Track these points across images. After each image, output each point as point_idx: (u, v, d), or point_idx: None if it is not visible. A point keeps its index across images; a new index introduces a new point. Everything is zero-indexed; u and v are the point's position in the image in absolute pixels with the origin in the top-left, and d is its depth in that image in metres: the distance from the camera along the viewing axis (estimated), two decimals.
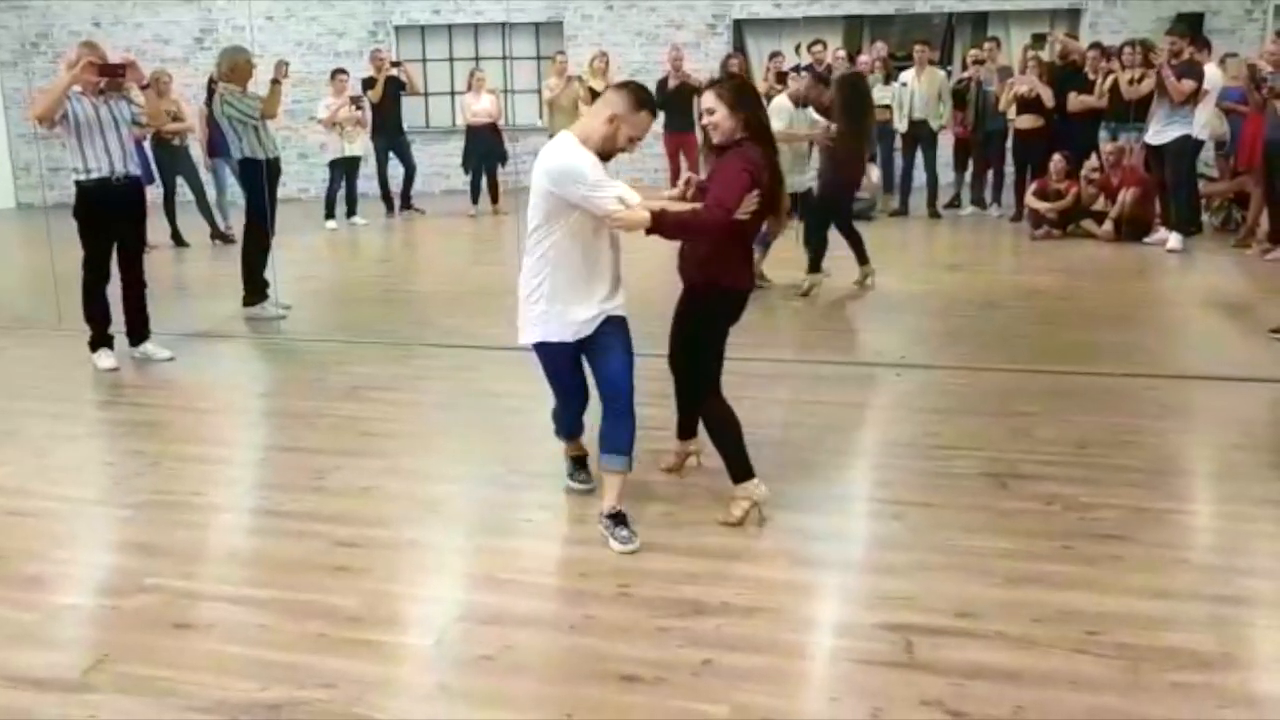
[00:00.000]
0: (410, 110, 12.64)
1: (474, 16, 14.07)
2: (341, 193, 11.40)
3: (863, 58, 11.33)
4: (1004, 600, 3.04)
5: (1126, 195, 9.27)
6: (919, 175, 11.14)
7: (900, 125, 10.94)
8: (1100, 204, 9.62)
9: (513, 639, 2.90)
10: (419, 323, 6.91)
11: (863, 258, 7.47)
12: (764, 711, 2.56)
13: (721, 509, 3.62)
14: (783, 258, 7.28)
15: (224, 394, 5.50)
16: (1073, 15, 13.26)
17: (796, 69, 8.65)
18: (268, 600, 3.14)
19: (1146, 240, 9.15)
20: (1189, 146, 8.87)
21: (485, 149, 11.78)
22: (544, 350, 3.54)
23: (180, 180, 10.41)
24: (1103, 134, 9.94)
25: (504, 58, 14.14)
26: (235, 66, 6.79)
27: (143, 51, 11.71)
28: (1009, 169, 10.91)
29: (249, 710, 2.58)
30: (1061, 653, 2.76)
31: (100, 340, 5.88)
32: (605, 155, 3.36)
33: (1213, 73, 9.07)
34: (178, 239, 10.34)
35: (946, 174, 11.41)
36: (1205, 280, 7.79)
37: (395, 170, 12.04)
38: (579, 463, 3.92)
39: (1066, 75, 10.29)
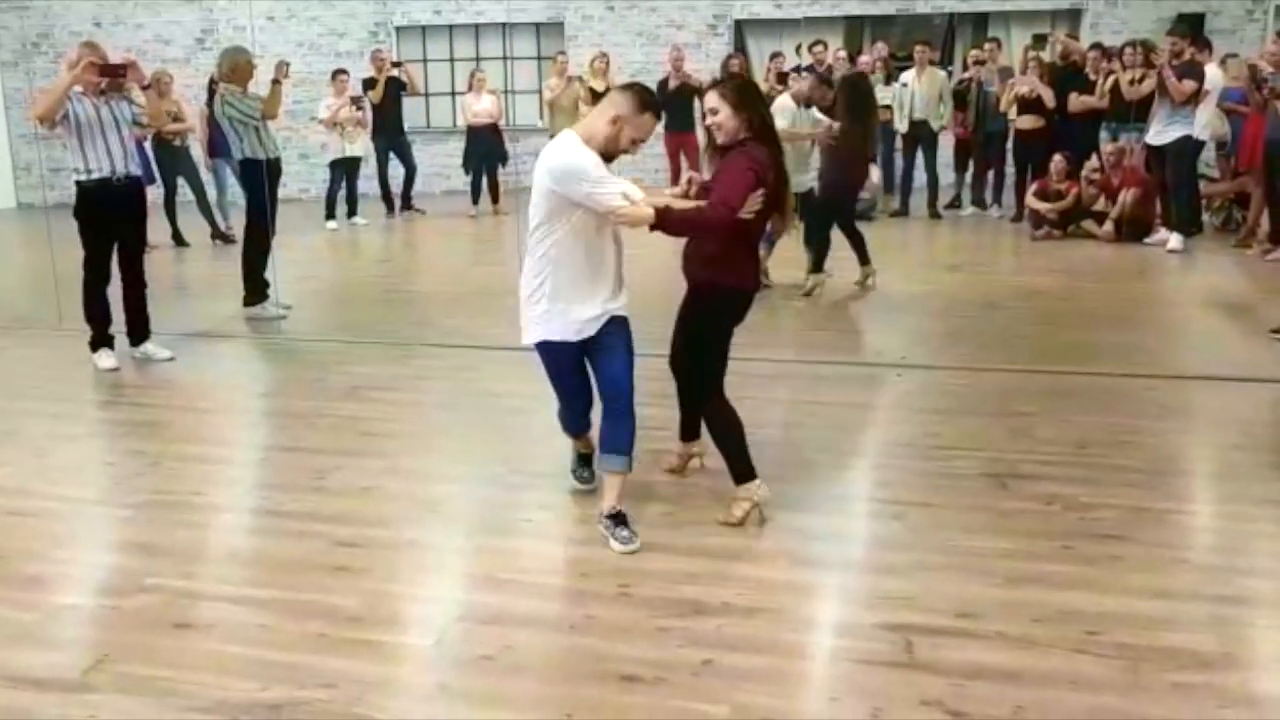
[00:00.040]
0: (411, 111, 12.64)
1: (475, 17, 14.07)
2: (342, 193, 11.41)
3: (863, 58, 11.32)
4: (1004, 600, 3.04)
5: (1127, 196, 9.27)
6: (919, 176, 11.13)
7: (901, 126, 10.94)
8: (1101, 204, 9.62)
9: (513, 639, 2.90)
10: (419, 323, 6.91)
11: (864, 258, 7.47)
12: (764, 711, 2.56)
13: (722, 509, 3.62)
14: (784, 257, 7.27)
15: (224, 394, 5.51)
16: (1073, 16, 13.26)
17: (797, 69, 8.66)
18: (268, 600, 3.14)
19: (1147, 241, 9.14)
20: (1190, 147, 8.87)
21: (486, 149, 11.78)
22: (546, 350, 3.53)
23: (181, 180, 10.42)
24: (1103, 134, 9.94)
25: (505, 58, 14.14)
26: (236, 67, 6.79)
27: (144, 52, 11.71)
28: (1009, 169, 10.91)
29: (249, 710, 2.59)
30: (1061, 653, 2.76)
31: (101, 340, 5.88)
32: (608, 156, 3.35)
33: (1213, 73, 9.06)
34: (178, 239, 10.34)
35: (947, 174, 11.41)
36: (1206, 281, 7.79)
37: (396, 170, 12.04)
38: (585, 460, 3.90)
39: (1067, 76, 10.29)
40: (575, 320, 3.44)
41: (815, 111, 7.46)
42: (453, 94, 14.05)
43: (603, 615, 3.02)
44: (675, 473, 4.03)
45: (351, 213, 11.53)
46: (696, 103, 10.34)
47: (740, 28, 13.80)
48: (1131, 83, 9.53)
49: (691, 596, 3.09)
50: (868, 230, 7.72)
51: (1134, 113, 9.53)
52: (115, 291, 5.88)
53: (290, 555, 3.46)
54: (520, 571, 3.33)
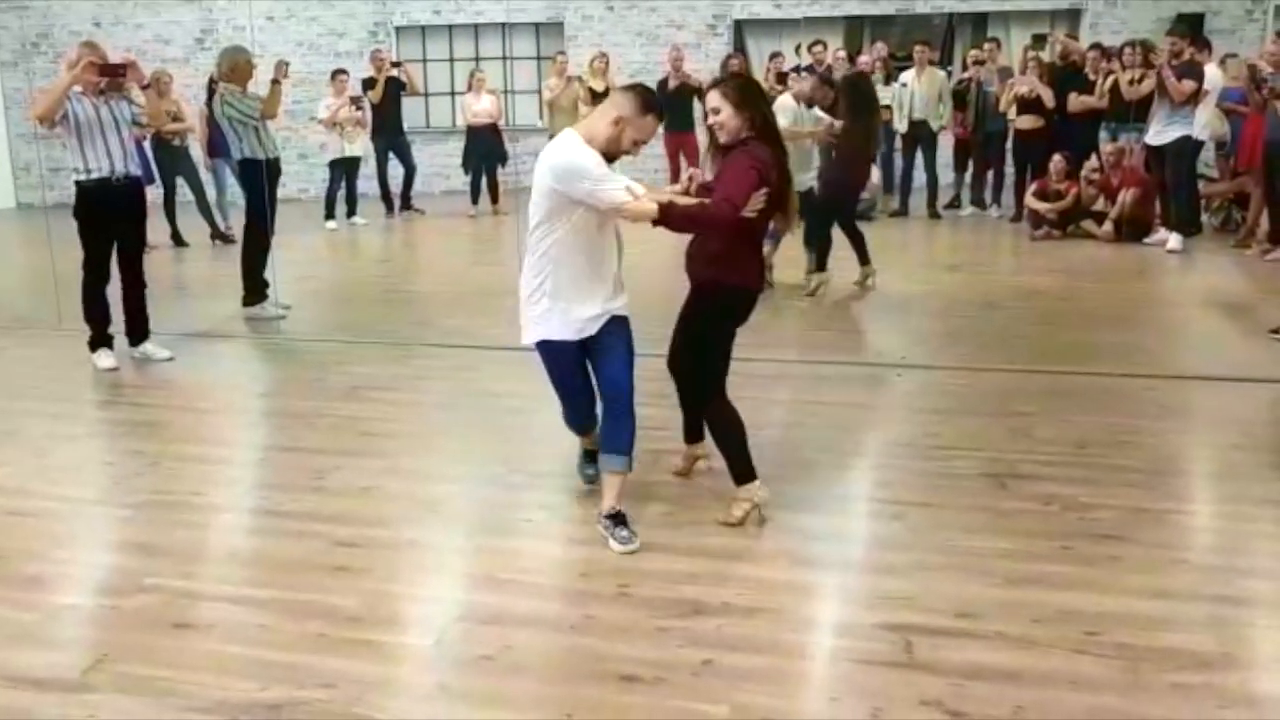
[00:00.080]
0: (410, 111, 12.64)
1: (474, 17, 14.07)
2: (341, 193, 11.41)
3: (863, 58, 11.33)
4: (1003, 600, 3.04)
5: (1126, 196, 9.27)
6: (919, 176, 11.14)
7: (900, 126, 10.94)
8: (1100, 204, 9.62)
9: (512, 639, 2.90)
10: (419, 323, 6.91)
11: (864, 258, 7.47)
12: (764, 712, 2.56)
13: (722, 509, 3.62)
14: (785, 257, 7.29)
15: (224, 394, 5.50)
16: (1073, 16, 13.26)
17: (797, 69, 8.67)
18: (268, 600, 3.14)
19: (1146, 241, 9.14)
20: (1189, 147, 8.87)
21: (485, 149, 11.78)
22: (547, 349, 3.53)
23: (180, 180, 10.42)
24: (1103, 134, 9.94)
25: (504, 58, 14.14)
26: (235, 67, 6.79)
27: (143, 52, 11.71)
28: (1009, 169, 10.92)
29: (249, 710, 2.58)
30: (1061, 653, 2.76)
31: (100, 340, 5.88)
32: (609, 157, 3.34)
33: (1213, 73, 9.07)
34: (178, 239, 10.34)
35: (946, 174, 11.42)
36: (1205, 281, 7.79)
37: (395, 170, 12.04)
38: (591, 456, 3.86)
39: (1067, 76, 10.29)
40: (575, 319, 3.43)
41: (817, 111, 7.47)
42: (452, 94, 14.05)
43: (602, 615, 3.02)
44: (682, 475, 4.01)
45: (351, 213, 11.53)
46: (696, 103, 10.38)
47: (740, 28, 13.80)
48: (1131, 83, 9.54)
49: (691, 596, 3.09)
50: (867, 230, 7.72)
51: (1133, 113, 9.53)
52: (115, 291, 5.88)
53: (290, 555, 3.46)
54: (520, 571, 3.33)
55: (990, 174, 11.22)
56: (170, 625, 3.00)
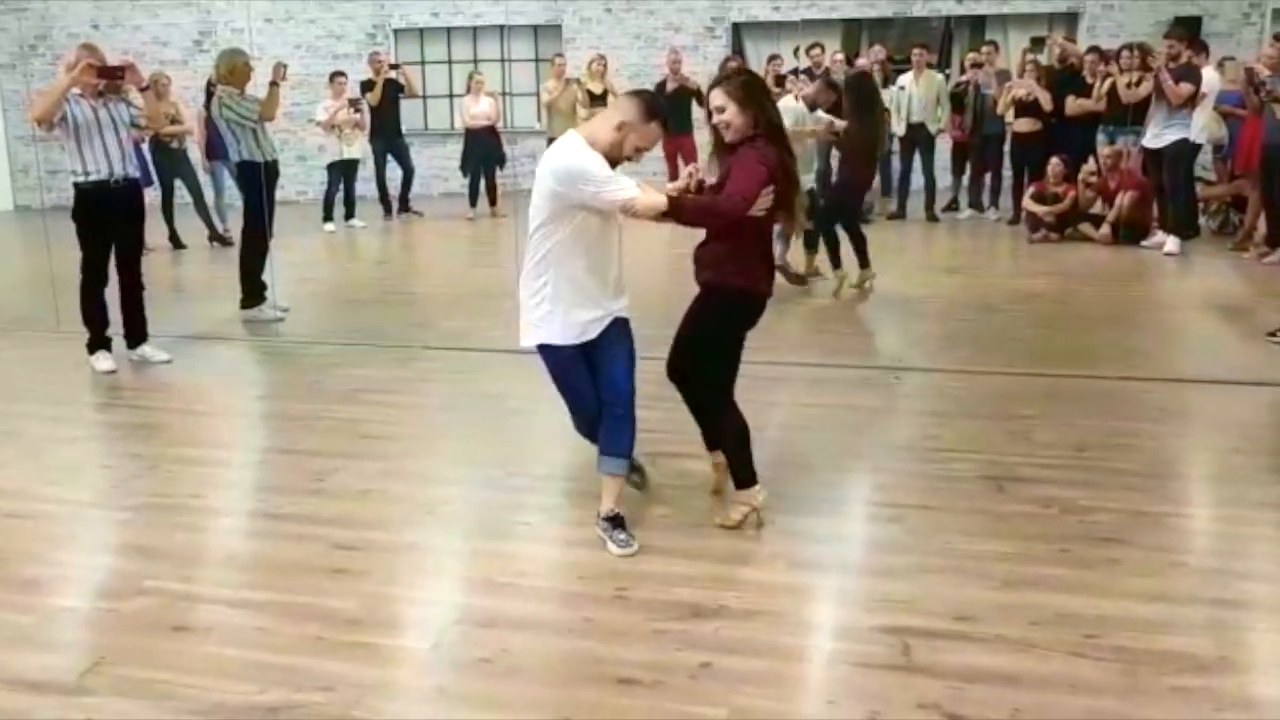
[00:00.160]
0: (409, 113, 12.64)
1: (472, 19, 14.08)
2: (340, 195, 11.40)
3: (861, 61, 11.33)
4: (1002, 603, 3.04)
5: (1124, 199, 9.28)
6: (916, 178, 11.14)
7: (898, 128, 10.95)
8: (1098, 207, 9.64)
9: (510, 642, 2.89)
10: (417, 325, 6.91)
11: (864, 260, 7.48)
12: (762, 714, 2.56)
13: (720, 512, 3.62)
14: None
15: (222, 396, 5.50)
16: (1071, 19, 13.28)
17: (795, 72, 8.69)
18: (266, 603, 3.14)
19: (1144, 244, 9.15)
20: (1186, 150, 8.88)
21: (484, 152, 11.78)
22: (549, 354, 3.51)
23: (179, 182, 10.40)
24: (1100, 137, 9.95)
25: (502, 60, 14.14)
26: (234, 69, 6.79)
27: (141, 54, 11.69)
28: (1007, 172, 10.93)
29: (247, 713, 2.58)
30: (1059, 656, 2.76)
31: (98, 342, 5.87)
32: (610, 162, 3.33)
33: (1210, 76, 9.08)
34: (176, 241, 10.33)
35: (944, 177, 11.42)
36: (1203, 284, 7.80)
37: (394, 173, 12.05)
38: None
39: (1064, 79, 10.29)
40: (576, 322, 3.42)
41: (819, 112, 7.50)
42: (450, 96, 14.05)
43: (600, 618, 3.02)
44: (720, 492, 3.81)
45: (349, 215, 11.53)
46: (695, 105, 10.39)
47: (738, 30, 13.81)
48: (1129, 85, 9.54)
49: (689, 599, 3.09)
50: (865, 232, 7.73)
51: (1131, 116, 9.53)
52: (113, 294, 5.87)
53: (288, 558, 3.45)
54: (518, 575, 3.32)
55: (988, 177, 11.23)
56: (168, 628, 3.00)
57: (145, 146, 9.70)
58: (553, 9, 13.88)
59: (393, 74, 11.70)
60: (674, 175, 10.64)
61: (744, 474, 3.57)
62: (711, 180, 3.55)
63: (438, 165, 13.77)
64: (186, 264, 9.80)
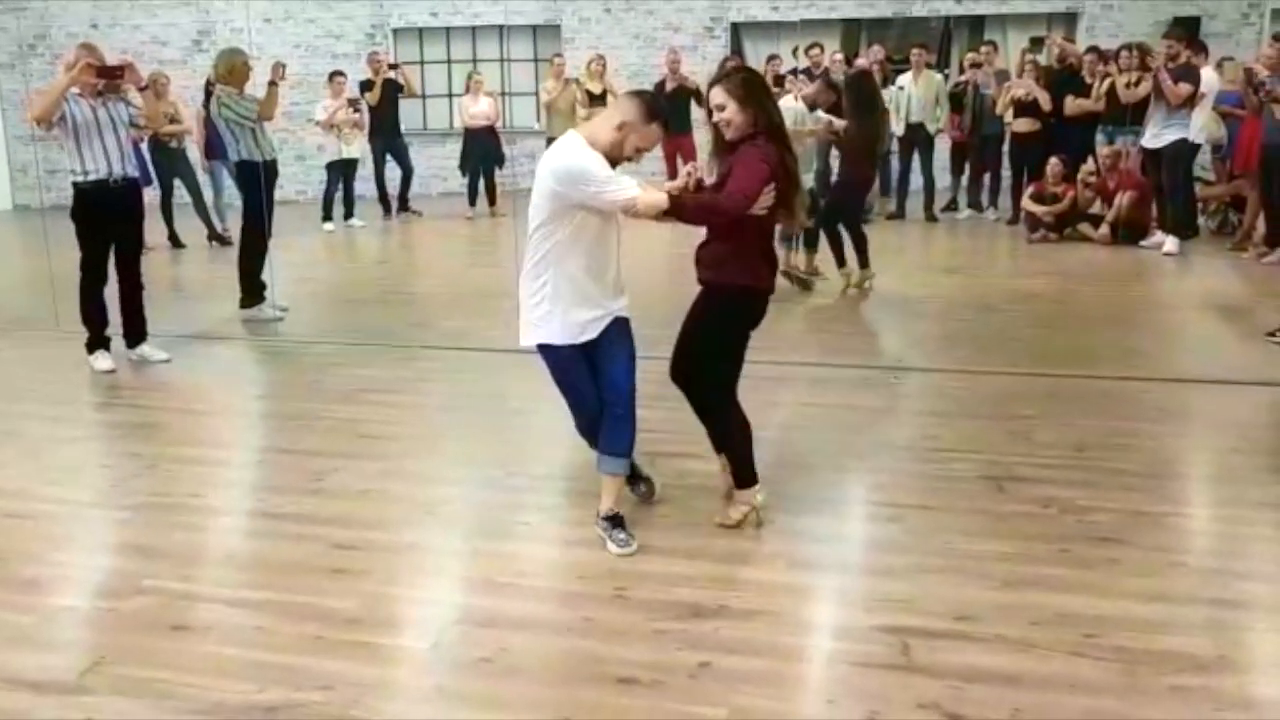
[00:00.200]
0: (408, 112, 12.64)
1: (472, 19, 14.07)
2: (339, 195, 11.40)
3: (860, 61, 11.33)
4: (1001, 603, 3.04)
5: (1123, 199, 9.28)
6: (916, 179, 11.14)
7: (897, 128, 10.94)
8: (1097, 207, 9.64)
9: (510, 642, 2.89)
10: (417, 325, 6.91)
11: (864, 261, 7.49)
12: (762, 714, 2.56)
13: (720, 511, 3.62)
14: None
15: (221, 396, 5.50)
16: (1070, 19, 13.28)
17: (794, 72, 8.69)
18: (265, 602, 3.14)
19: (1143, 244, 9.15)
20: (1185, 150, 8.89)
21: (483, 151, 11.78)
22: (549, 354, 3.50)
23: (178, 182, 10.40)
24: (1099, 137, 9.95)
25: (501, 60, 14.13)
26: (233, 68, 6.79)
27: (140, 53, 11.68)
28: (1006, 172, 10.93)
29: (246, 712, 2.58)
30: (1059, 656, 2.76)
31: (97, 342, 5.87)
32: (610, 162, 3.32)
33: (1209, 76, 9.09)
34: (175, 241, 10.33)
35: (943, 177, 11.42)
36: (1202, 284, 7.80)
37: (393, 172, 12.05)
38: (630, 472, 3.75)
39: (1063, 79, 10.30)
40: (576, 322, 3.41)
41: (819, 112, 7.50)
42: (449, 96, 14.04)
43: (600, 618, 3.02)
44: (730, 495, 3.75)
45: (348, 215, 11.53)
46: (694, 105, 10.38)
47: (737, 30, 13.81)
48: (1127, 86, 9.55)
49: (689, 599, 3.09)
50: (866, 233, 7.73)
51: (1130, 116, 9.53)
52: (112, 293, 5.87)
53: (288, 558, 3.45)
54: (518, 574, 3.32)
55: (987, 177, 11.23)
56: (168, 627, 3.00)
57: (144, 146, 9.69)
58: (552, 9, 13.87)
59: (392, 74, 11.71)
60: (673, 175, 10.53)
61: (745, 473, 3.57)
62: (710, 180, 3.54)
63: (437, 165, 13.77)
64: (186, 263, 9.80)
